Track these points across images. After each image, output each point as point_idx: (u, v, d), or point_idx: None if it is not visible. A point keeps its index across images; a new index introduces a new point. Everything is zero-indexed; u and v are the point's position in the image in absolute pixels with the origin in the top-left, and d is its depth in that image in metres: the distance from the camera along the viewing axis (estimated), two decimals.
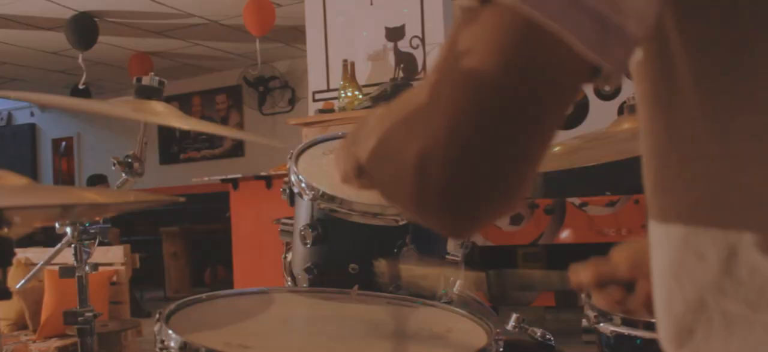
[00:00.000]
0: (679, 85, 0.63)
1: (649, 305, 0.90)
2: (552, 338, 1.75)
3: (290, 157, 1.69)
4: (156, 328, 1.15)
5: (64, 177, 11.57)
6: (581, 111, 6.25)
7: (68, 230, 1.73)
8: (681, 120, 0.64)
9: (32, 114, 11.89)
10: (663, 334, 0.69)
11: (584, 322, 1.54)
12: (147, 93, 1.53)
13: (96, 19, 7.26)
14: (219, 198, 6.08)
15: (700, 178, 0.63)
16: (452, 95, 0.59)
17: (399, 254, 1.54)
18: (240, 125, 10.06)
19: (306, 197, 1.57)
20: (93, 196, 1.03)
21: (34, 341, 4.48)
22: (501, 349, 1.21)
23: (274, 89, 9.66)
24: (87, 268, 1.76)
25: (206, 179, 5.92)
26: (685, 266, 0.64)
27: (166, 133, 10.57)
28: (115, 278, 4.84)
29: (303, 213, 1.61)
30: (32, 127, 11.89)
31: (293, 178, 1.64)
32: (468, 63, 0.58)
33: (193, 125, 1.69)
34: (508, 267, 6.02)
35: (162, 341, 1.09)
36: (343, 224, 1.54)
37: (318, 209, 1.56)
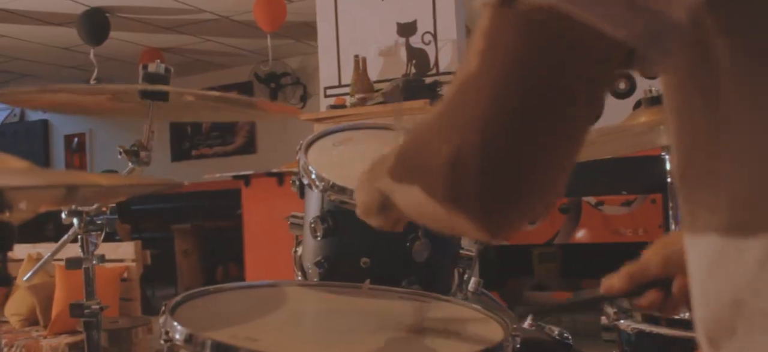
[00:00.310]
0: (722, 81, 0.60)
1: (688, 301, 0.86)
2: (570, 337, 1.71)
3: (300, 148, 1.65)
4: (161, 320, 1.11)
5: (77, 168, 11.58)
6: None
7: (75, 221, 1.70)
8: (722, 116, 0.61)
9: (45, 110, 11.90)
10: (701, 332, 0.65)
11: (603, 320, 1.49)
12: (154, 80, 1.49)
13: (108, 15, 7.25)
14: (231, 195, 6.07)
15: (741, 176, 0.61)
16: (480, 98, 0.57)
17: (411, 247, 1.50)
18: (251, 122, 10.03)
19: (316, 189, 1.53)
20: (96, 178, 1.00)
21: (45, 337, 4.48)
22: (518, 345, 1.17)
23: (286, 86, 9.62)
24: (94, 260, 1.73)
25: (218, 175, 5.91)
26: (723, 265, 0.62)
27: (177, 130, 10.57)
28: (125, 275, 4.84)
29: (313, 205, 1.57)
30: (45, 124, 11.91)
31: (303, 169, 1.60)
32: (494, 63, 0.57)
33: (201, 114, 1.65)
34: (523, 266, 5.97)
35: (167, 333, 1.06)
36: (355, 217, 1.48)
37: (328, 201, 1.52)
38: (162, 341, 1.06)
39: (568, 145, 0.59)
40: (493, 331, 1.19)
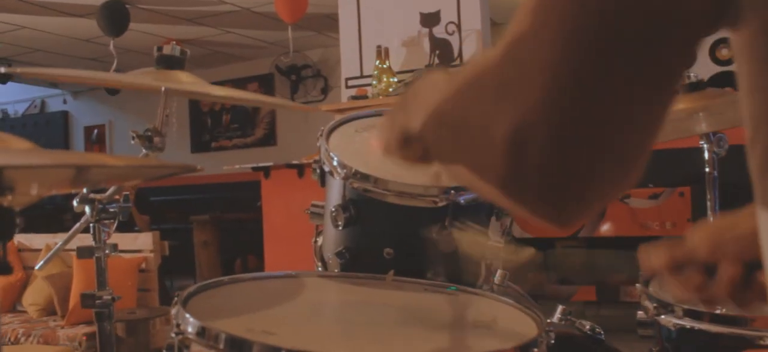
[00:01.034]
0: None
1: (734, 293, 0.78)
2: (602, 332, 1.63)
3: (321, 135, 1.58)
4: (173, 311, 1.04)
5: None
6: None
7: (87, 209, 1.63)
8: None
9: (65, 101, 11.95)
10: None
11: (640, 314, 1.41)
12: (169, 63, 1.43)
13: (127, 6, 7.22)
14: (250, 187, 6.05)
15: None
16: (542, 56, 0.48)
17: (437, 237, 1.42)
18: (272, 114, 10.00)
19: (338, 176, 1.46)
20: (103, 158, 0.93)
21: (62, 327, 4.48)
22: (552, 341, 1.09)
23: (307, 78, 9.57)
24: (107, 250, 1.66)
25: (237, 166, 5.87)
26: None
27: (197, 122, 10.56)
28: (143, 266, 4.83)
29: (335, 193, 1.49)
30: (65, 115, 11.94)
31: (324, 156, 1.53)
32: (570, 16, 0.47)
33: (217, 92, 1.58)
34: (545, 260, 5.87)
35: (178, 326, 0.99)
36: (378, 205, 1.42)
37: (351, 189, 1.44)
38: (173, 334, 0.99)
39: (656, 99, 0.50)
40: (526, 326, 1.11)
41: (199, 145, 10.62)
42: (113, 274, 4.64)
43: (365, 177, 1.41)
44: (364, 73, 5.32)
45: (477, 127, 0.52)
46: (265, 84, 10.05)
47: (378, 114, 1.74)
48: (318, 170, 1.59)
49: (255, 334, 0.97)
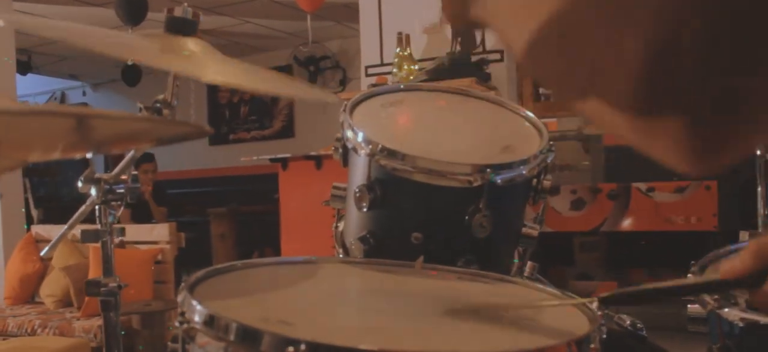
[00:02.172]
0: None
1: None
2: (643, 328, 1.50)
3: (344, 110, 1.45)
4: (180, 298, 0.92)
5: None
6: None
7: (93, 190, 1.52)
8: None
9: (84, 93, 11.94)
10: None
11: (691, 308, 1.27)
12: (179, 27, 1.30)
13: None
14: (268, 179, 6.00)
15: None
16: None
17: (470, 221, 1.29)
18: (290, 106, 9.94)
19: (362, 153, 1.33)
20: (105, 112, 0.82)
21: (78, 319, 4.46)
22: (604, 335, 0.96)
23: (326, 69, 9.51)
24: (115, 235, 1.55)
25: (254, 158, 5.79)
26: None
27: (215, 115, 10.52)
28: (160, 257, 4.82)
29: (359, 172, 1.36)
30: (84, 107, 11.94)
31: (347, 132, 1.40)
32: None
33: (230, 77, 1.46)
34: (564, 255, 5.72)
35: (183, 314, 0.87)
36: (406, 185, 1.29)
37: (376, 167, 1.31)
38: (177, 324, 0.87)
39: None
40: (574, 319, 0.98)
41: (217, 138, 10.57)
42: (129, 265, 4.60)
43: (392, 153, 1.28)
44: (385, 61, 5.20)
45: (595, 49, 0.42)
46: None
47: (405, 89, 1.62)
48: (340, 150, 1.46)
49: (270, 324, 0.85)
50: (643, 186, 4.88)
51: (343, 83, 9.38)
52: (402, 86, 1.61)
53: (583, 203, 5.01)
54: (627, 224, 4.93)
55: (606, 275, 5.64)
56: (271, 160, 5.24)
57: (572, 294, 1.13)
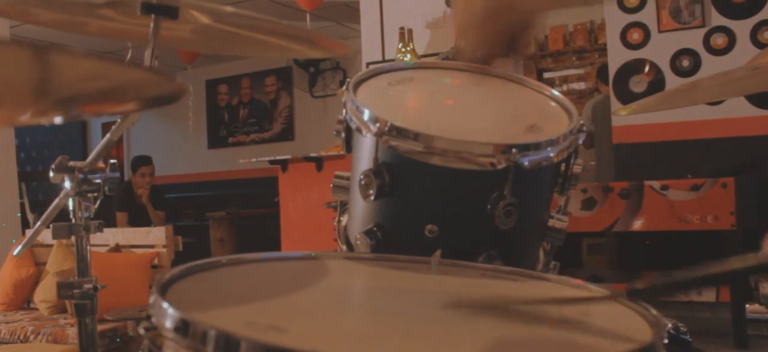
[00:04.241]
0: None
1: None
2: (687, 332, 1.34)
3: (347, 87, 1.28)
4: (151, 299, 0.75)
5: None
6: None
7: (67, 181, 1.35)
8: None
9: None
10: None
11: (749, 308, 1.10)
12: (157, 9, 1.13)
13: None
14: (267, 183, 5.93)
15: None
16: None
17: (494, 211, 1.12)
18: (290, 108, 9.85)
19: (369, 133, 1.16)
20: (69, 47, 0.66)
21: (72, 325, 4.33)
22: (666, 340, 0.79)
23: (325, 71, 9.42)
24: (90, 230, 1.38)
25: (254, 160, 5.68)
26: None
27: (214, 118, 10.44)
28: (156, 261, 4.78)
29: (364, 156, 1.19)
30: None
31: (351, 111, 1.22)
32: None
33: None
34: (571, 257, 5.56)
35: (148, 319, 0.70)
36: (419, 169, 1.12)
37: (385, 149, 1.13)
38: (142, 330, 0.70)
39: None
40: (628, 322, 0.82)
41: (216, 141, 10.48)
42: (125, 269, 4.45)
43: (403, 132, 1.10)
44: (386, 57, 5.09)
45: None
46: (284, 77, 9.92)
47: (415, 67, 1.45)
48: (342, 133, 1.29)
49: (258, 329, 0.68)
50: (656, 184, 4.73)
51: (343, 84, 9.30)
52: (412, 63, 1.43)
53: (594, 202, 4.85)
54: (640, 223, 4.78)
55: (615, 277, 5.50)
56: (271, 162, 5.17)
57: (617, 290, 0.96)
